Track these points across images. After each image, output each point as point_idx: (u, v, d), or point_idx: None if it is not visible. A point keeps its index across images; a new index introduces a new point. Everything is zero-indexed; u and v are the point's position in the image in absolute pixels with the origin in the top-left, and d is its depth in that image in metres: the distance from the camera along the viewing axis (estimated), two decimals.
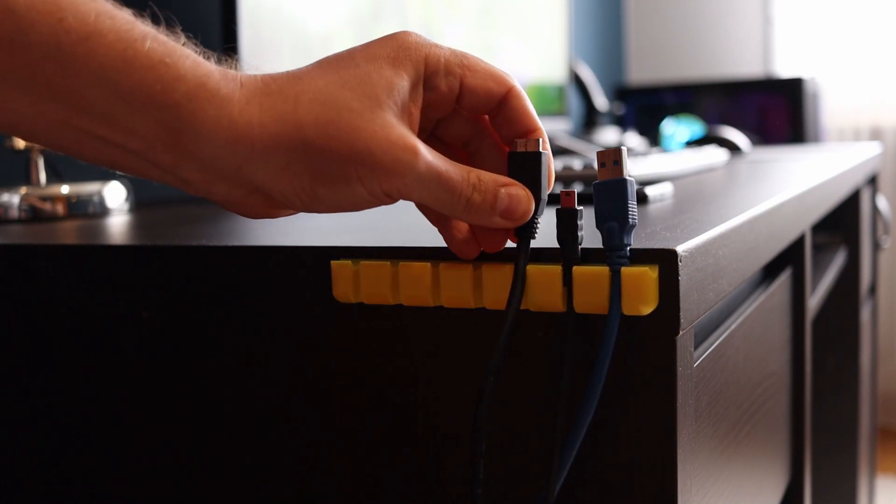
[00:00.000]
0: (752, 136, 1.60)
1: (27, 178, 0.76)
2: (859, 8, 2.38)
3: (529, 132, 0.39)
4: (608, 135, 1.73)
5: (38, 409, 0.54)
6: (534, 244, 0.39)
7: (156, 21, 0.35)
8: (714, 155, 0.99)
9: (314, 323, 0.45)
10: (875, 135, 2.37)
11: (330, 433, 0.46)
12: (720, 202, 0.57)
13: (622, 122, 2.10)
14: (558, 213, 0.38)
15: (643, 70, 2.57)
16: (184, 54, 0.34)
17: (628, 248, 0.37)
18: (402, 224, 0.53)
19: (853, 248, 1.28)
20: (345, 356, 0.45)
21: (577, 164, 0.76)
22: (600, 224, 0.38)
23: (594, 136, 1.72)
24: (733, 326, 0.53)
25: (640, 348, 0.38)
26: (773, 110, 2.00)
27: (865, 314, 1.39)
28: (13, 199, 0.73)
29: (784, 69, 2.41)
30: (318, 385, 0.46)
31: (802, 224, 0.70)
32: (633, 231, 0.38)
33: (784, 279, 0.70)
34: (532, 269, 0.38)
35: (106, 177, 0.78)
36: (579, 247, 0.38)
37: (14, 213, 0.73)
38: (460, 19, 1.26)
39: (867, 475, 1.50)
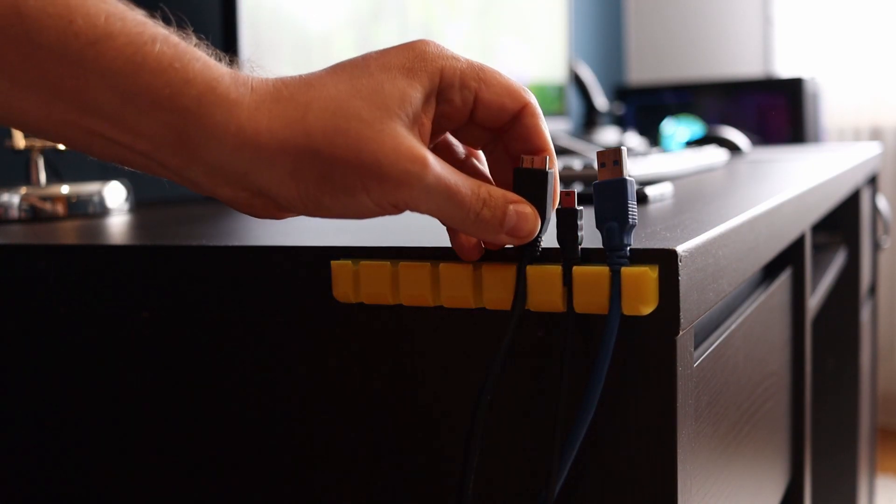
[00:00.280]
0: (752, 136, 1.60)
1: (27, 178, 0.76)
2: (859, 8, 2.38)
3: (539, 151, 0.39)
4: (608, 135, 1.73)
5: (38, 409, 0.54)
6: None
7: (167, 21, 0.35)
8: (714, 155, 0.99)
9: (314, 323, 0.45)
10: (875, 135, 2.37)
11: (330, 433, 0.46)
12: (720, 202, 0.57)
13: (622, 122, 2.10)
14: (558, 213, 0.38)
15: (643, 70, 2.57)
16: (194, 57, 0.34)
17: (628, 248, 0.37)
18: (401, 224, 0.53)
19: (853, 248, 1.28)
20: (345, 356, 0.45)
21: (577, 164, 0.76)
22: (600, 224, 0.38)
23: (594, 136, 1.72)
24: (733, 326, 0.53)
25: (640, 348, 0.38)
26: (773, 110, 2.00)
27: (865, 314, 1.39)
28: (13, 199, 0.73)
29: (784, 69, 2.41)
30: (317, 385, 0.46)
31: (802, 224, 0.70)
32: (633, 231, 0.38)
33: (784, 279, 0.70)
34: (532, 269, 0.38)
35: (106, 177, 0.78)
36: (579, 247, 0.38)
37: (14, 213, 0.73)
38: (460, 19, 1.26)
39: (867, 475, 1.50)
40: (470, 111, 0.38)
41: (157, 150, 0.35)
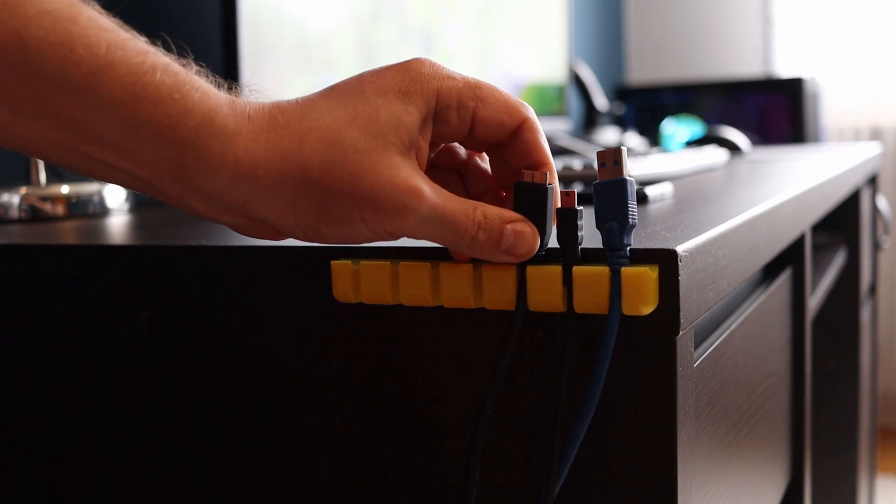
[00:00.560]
0: (752, 136, 1.60)
1: (27, 178, 0.76)
2: (859, 8, 2.38)
3: (539, 165, 0.39)
4: (608, 135, 1.73)
5: (39, 408, 0.54)
6: None
7: (167, 47, 0.35)
8: (714, 155, 0.99)
9: (314, 323, 0.45)
10: (875, 135, 2.37)
11: (330, 433, 0.46)
12: (720, 202, 0.57)
13: (622, 122, 2.10)
14: (558, 212, 0.38)
15: (643, 70, 2.57)
16: (193, 87, 0.34)
17: (628, 248, 0.37)
18: None
19: (853, 248, 1.28)
20: (345, 356, 0.45)
21: (577, 164, 0.76)
22: (600, 224, 0.38)
23: (594, 136, 1.71)
24: (733, 326, 0.53)
25: (640, 348, 0.38)
26: (773, 110, 2.00)
27: (865, 314, 1.39)
28: (13, 199, 0.73)
29: (784, 69, 2.41)
30: (317, 385, 0.46)
31: (802, 224, 0.70)
32: (633, 231, 0.38)
33: (784, 279, 0.70)
34: (532, 269, 0.38)
35: None
36: (579, 247, 0.38)
37: (14, 213, 0.73)
38: (460, 19, 1.26)
39: (867, 475, 1.50)
40: (468, 129, 0.38)
41: (156, 178, 0.35)
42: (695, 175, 0.87)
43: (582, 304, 0.38)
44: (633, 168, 0.74)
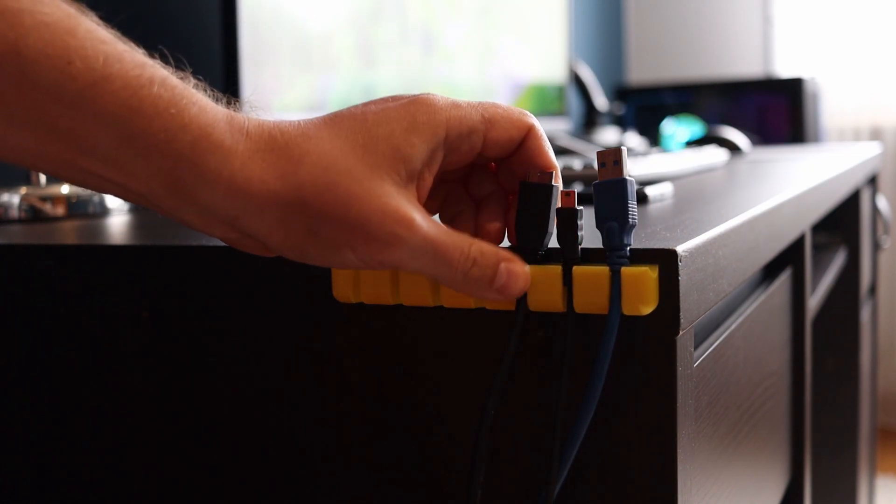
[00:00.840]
0: (752, 136, 1.60)
1: (27, 178, 0.76)
2: (859, 8, 2.38)
3: (544, 170, 0.39)
4: (608, 135, 1.73)
5: (38, 408, 0.54)
6: None
7: (165, 59, 0.35)
8: (714, 155, 0.99)
9: (314, 323, 0.45)
10: (875, 135, 2.37)
11: (330, 433, 0.46)
12: (720, 202, 0.57)
13: (622, 122, 2.10)
14: (558, 212, 0.38)
15: (643, 70, 2.57)
16: (191, 101, 0.34)
17: (628, 248, 0.37)
18: None
19: (853, 248, 1.28)
20: (345, 356, 0.45)
21: (577, 164, 0.76)
22: (600, 224, 0.38)
23: (594, 136, 1.72)
24: (733, 326, 0.53)
25: (640, 348, 0.38)
26: (773, 110, 2.00)
27: (865, 314, 1.39)
28: (13, 199, 0.73)
29: (784, 69, 2.41)
30: (317, 385, 0.46)
31: (802, 224, 0.70)
32: (633, 231, 0.38)
33: (784, 279, 0.70)
34: (532, 269, 0.38)
35: None
36: (579, 247, 0.38)
37: (14, 213, 0.73)
38: (460, 19, 1.26)
39: (867, 475, 1.50)
40: (479, 151, 0.39)
41: (151, 191, 0.35)
42: (695, 175, 0.87)
43: (582, 304, 0.38)
44: (633, 168, 0.74)
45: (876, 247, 1.56)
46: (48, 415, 0.54)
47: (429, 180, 0.38)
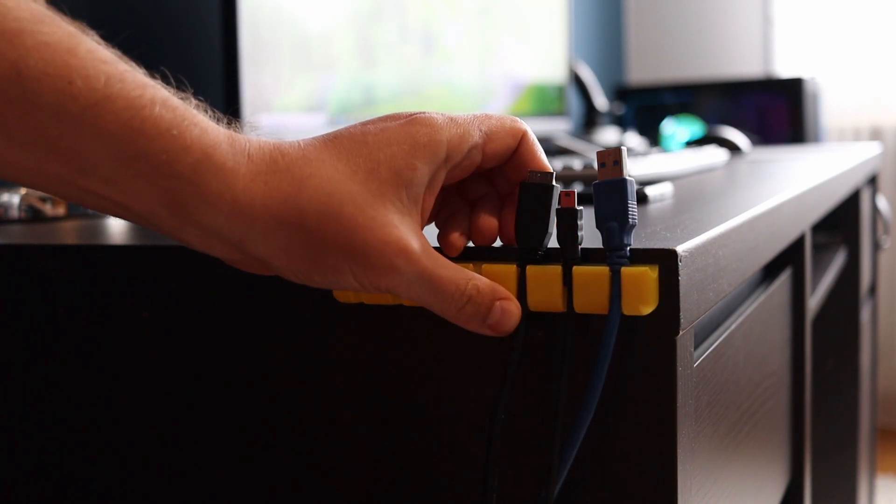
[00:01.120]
0: (752, 136, 1.60)
1: None
2: (859, 8, 2.38)
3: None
4: (608, 135, 1.73)
5: (39, 408, 0.54)
6: None
7: (166, 80, 0.35)
8: (714, 155, 0.99)
9: (314, 323, 0.45)
10: (875, 135, 2.37)
11: (330, 433, 0.46)
12: (720, 202, 0.57)
13: (622, 122, 2.10)
14: (558, 213, 0.38)
15: (643, 70, 2.57)
16: (192, 122, 0.34)
17: (628, 248, 0.37)
18: None
19: (853, 248, 1.28)
20: (345, 356, 0.45)
21: (577, 164, 0.76)
22: (600, 224, 0.38)
23: (594, 136, 1.71)
24: (733, 326, 0.53)
25: (640, 348, 0.38)
26: (773, 110, 2.00)
27: (865, 314, 1.39)
28: (13, 199, 0.73)
29: (784, 69, 2.41)
30: (318, 385, 0.46)
31: (802, 224, 0.70)
32: (633, 231, 0.38)
33: (784, 279, 0.70)
34: (532, 269, 0.39)
35: None
36: (579, 247, 0.38)
37: (14, 213, 0.73)
38: (460, 19, 1.26)
39: (867, 475, 1.50)
40: (478, 165, 0.39)
41: (152, 211, 0.35)
42: (695, 175, 0.87)
43: (582, 304, 0.38)
44: (633, 168, 0.74)
45: (876, 247, 1.56)
46: (48, 415, 0.54)
47: (430, 202, 0.38)
